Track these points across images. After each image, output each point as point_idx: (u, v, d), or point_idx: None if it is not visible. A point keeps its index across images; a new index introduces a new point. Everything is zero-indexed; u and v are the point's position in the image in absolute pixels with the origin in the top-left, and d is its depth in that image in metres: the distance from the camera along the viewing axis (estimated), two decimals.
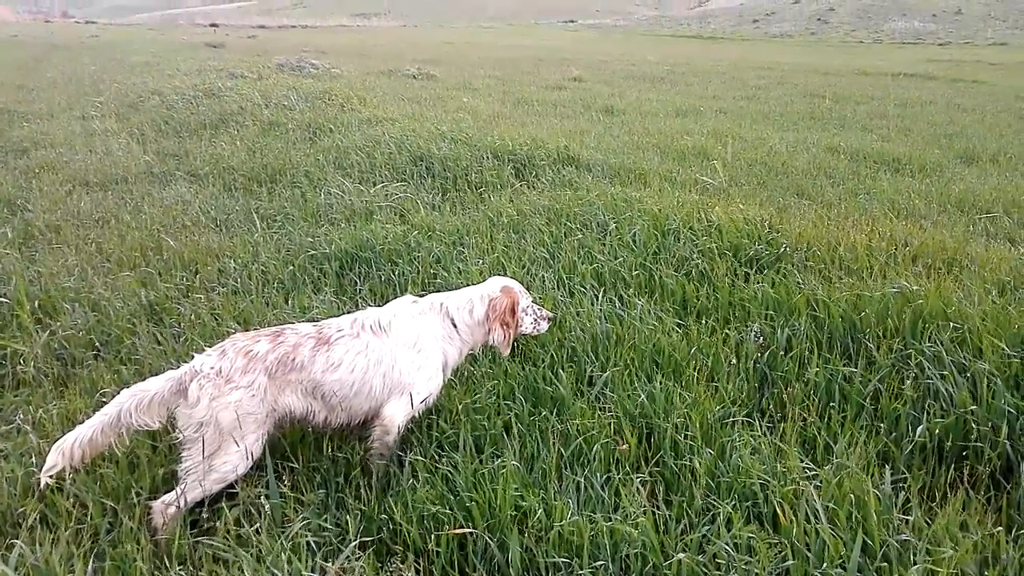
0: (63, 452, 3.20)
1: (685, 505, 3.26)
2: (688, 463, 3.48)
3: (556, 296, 5.25)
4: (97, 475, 3.40)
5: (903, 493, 3.34)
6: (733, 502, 3.24)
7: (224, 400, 3.25)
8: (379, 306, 3.90)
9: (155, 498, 3.27)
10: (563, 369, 4.30)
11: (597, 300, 5.17)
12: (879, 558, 2.92)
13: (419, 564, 3.01)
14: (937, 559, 2.90)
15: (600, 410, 3.94)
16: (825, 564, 2.87)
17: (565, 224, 6.65)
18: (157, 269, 5.91)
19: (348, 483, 3.44)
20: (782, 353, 4.49)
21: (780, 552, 2.98)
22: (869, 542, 2.97)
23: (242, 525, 3.08)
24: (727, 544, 2.97)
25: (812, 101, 18.58)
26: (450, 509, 3.15)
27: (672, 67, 28.80)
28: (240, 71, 18.24)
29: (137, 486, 3.36)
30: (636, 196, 7.36)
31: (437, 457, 3.53)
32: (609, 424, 3.78)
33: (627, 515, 3.12)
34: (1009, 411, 3.74)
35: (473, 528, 3.08)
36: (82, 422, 3.31)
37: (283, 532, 3.03)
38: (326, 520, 3.15)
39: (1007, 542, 3.07)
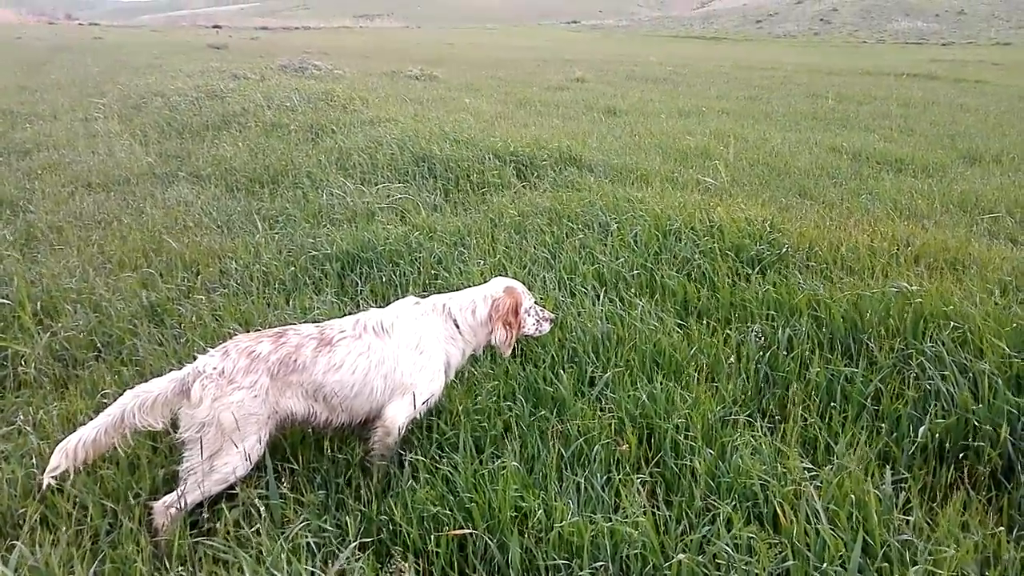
0: (67, 453, 3.20)
1: (685, 505, 3.26)
2: (688, 463, 3.47)
3: (557, 297, 5.24)
4: (97, 476, 3.40)
5: (904, 493, 3.34)
6: (733, 502, 3.23)
7: (227, 401, 3.25)
8: (380, 307, 3.90)
9: (156, 499, 3.27)
10: (564, 369, 4.30)
11: (598, 300, 5.16)
12: (880, 558, 2.92)
13: (419, 565, 3.00)
14: (938, 559, 2.89)
15: (601, 411, 3.94)
16: (826, 564, 2.86)
17: (567, 225, 6.65)
18: (158, 270, 5.92)
19: (348, 484, 3.44)
20: (783, 353, 4.48)
21: (780, 552, 2.98)
22: (870, 542, 2.97)
23: (242, 526, 3.08)
24: (727, 544, 2.97)
25: (815, 101, 18.57)
26: (450, 510, 3.15)
27: (675, 68, 28.79)
28: (243, 72, 18.25)
29: (137, 487, 3.37)
30: (638, 196, 7.35)
31: (437, 458, 3.53)
32: (610, 425, 3.77)
33: (627, 516, 3.12)
34: (1010, 411, 3.72)
35: (473, 529, 3.08)
36: (83, 423, 3.32)
37: (283, 533, 3.03)
38: (326, 521, 3.15)
39: (1008, 542, 3.06)
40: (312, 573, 2.87)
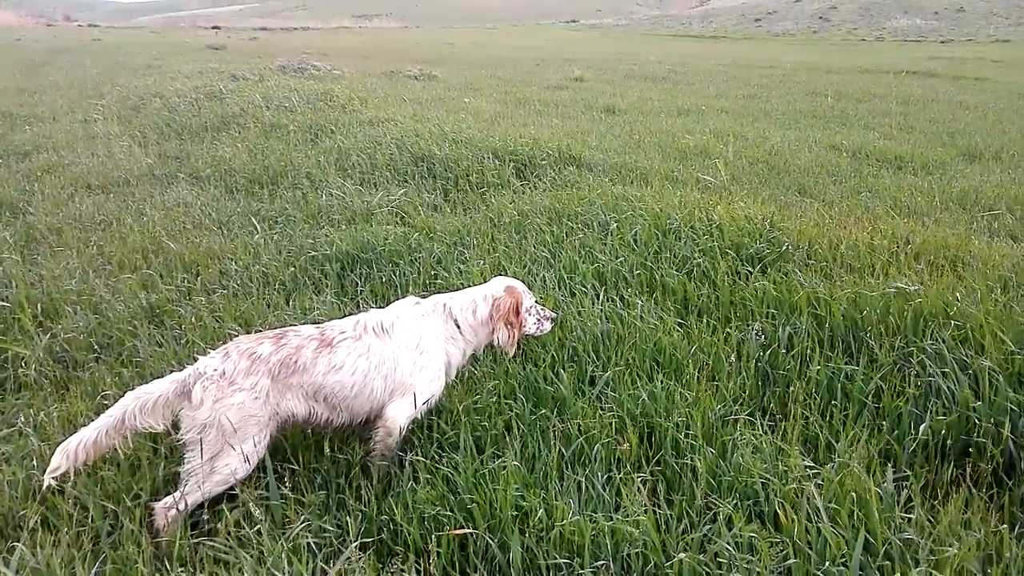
0: (67, 454, 3.20)
1: (686, 504, 3.25)
2: (689, 462, 3.47)
3: (557, 296, 5.24)
4: (98, 477, 3.40)
5: (905, 491, 3.33)
6: (734, 501, 3.23)
7: (227, 402, 3.25)
8: (381, 307, 3.90)
9: (157, 500, 3.27)
10: (564, 369, 4.30)
11: (598, 300, 5.16)
12: (881, 557, 2.91)
13: (420, 565, 3.00)
14: (940, 557, 2.89)
15: (601, 410, 3.93)
16: (827, 563, 2.86)
17: (566, 224, 6.65)
18: (158, 271, 5.91)
19: (349, 484, 3.44)
20: (783, 351, 4.47)
21: (782, 551, 2.97)
22: (871, 540, 2.96)
23: (243, 527, 3.08)
24: (728, 543, 2.97)
25: (814, 99, 18.56)
26: (451, 510, 3.14)
27: (674, 66, 28.79)
28: (242, 73, 18.24)
29: (138, 488, 3.36)
30: (637, 195, 7.35)
31: (438, 458, 3.53)
32: (610, 424, 3.77)
33: (628, 515, 3.11)
34: (1012, 408, 3.72)
35: (474, 528, 3.07)
36: (83, 425, 3.31)
37: (284, 533, 3.03)
38: (327, 521, 3.15)
39: (1010, 540, 3.05)
40: (313, 573, 2.87)
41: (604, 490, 3.33)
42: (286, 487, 3.35)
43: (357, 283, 5.72)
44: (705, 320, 4.94)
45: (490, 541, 3.00)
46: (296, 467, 3.51)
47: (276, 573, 2.81)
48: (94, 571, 2.92)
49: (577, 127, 12.99)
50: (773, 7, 79.51)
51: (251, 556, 2.89)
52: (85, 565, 2.93)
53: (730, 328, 4.82)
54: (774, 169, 9.88)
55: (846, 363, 4.33)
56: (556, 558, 2.96)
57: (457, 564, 3.02)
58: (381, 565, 3.00)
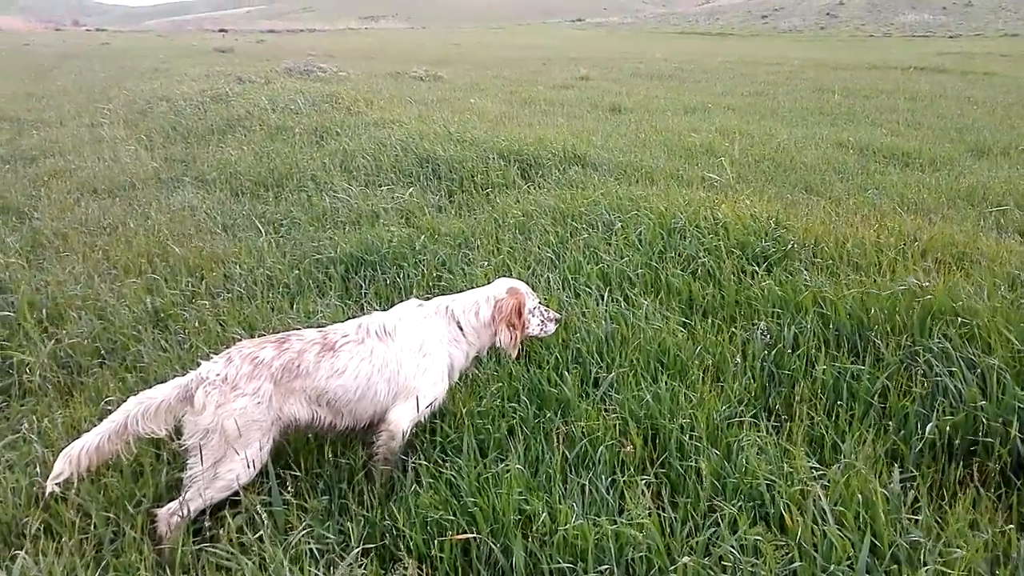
0: (70, 459, 3.20)
1: (691, 507, 3.23)
2: (694, 464, 3.44)
3: (561, 297, 5.22)
4: (101, 484, 3.40)
5: (912, 492, 3.30)
6: (739, 503, 3.20)
7: (230, 407, 3.24)
8: (384, 310, 3.89)
9: (159, 506, 3.27)
10: (568, 371, 4.27)
11: (602, 300, 5.14)
12: (888, 559, 2.89)
13: (422, 570, 2.99)
14: (947, 559, 2.86)
15: (605, 412, 3.91)
16: (833, 566, 2.83)
17: (571, 224, 6.62)
18: (163, 275, 5.92)
19: (351, 489, 3.43)
20: (789, 351, 4.44)
21: (787, 554, 2.95)
22: (877, 543, 2.94)
23: (245, 533, 3.07)
24: (733, 546, 2.94)
25: (821, 96, 18.48)
26: (453, 514, 3.13)
27: (680, 64, 28.70)
28: (248, 76, 18.28)
29: (141, 494, 3.36)
30: (642, 195, 7.32)
31: (441, 462, 3.51)
32: (614, 426, 3.75)
33: (632, 518, 3.09)
34: (1020, 407, 3.67)
35: (477, 533, 3.06)
36: (87, 430, 3.31)
37: (286, 539, 3.02)
38: (329, 527, 3.13)
39: (1018, 540, 3.02)
40: None
41: (608, 493, 3.31)
42: (288, 492, 3.34)
43: (361, 286, 5.71)
44: (710, 320, 4.91)
45: (493, 546, 2.99)
46: (299, 472, 3.50)
47: None
48: None
49: (583, 126, 12.95)
50: (780, 4, 79.23)
51: (252, 562, 2.88)
52: (87, 573, 2.92)
53: (735, 328, 4.79)
54: (780, 167, 9.83)
55: (852, 363, 4.29)
56: (559, 562, 2.94)
57: (460, 569, 3.00)
58: (383, 571, 2.98)
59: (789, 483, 3.27)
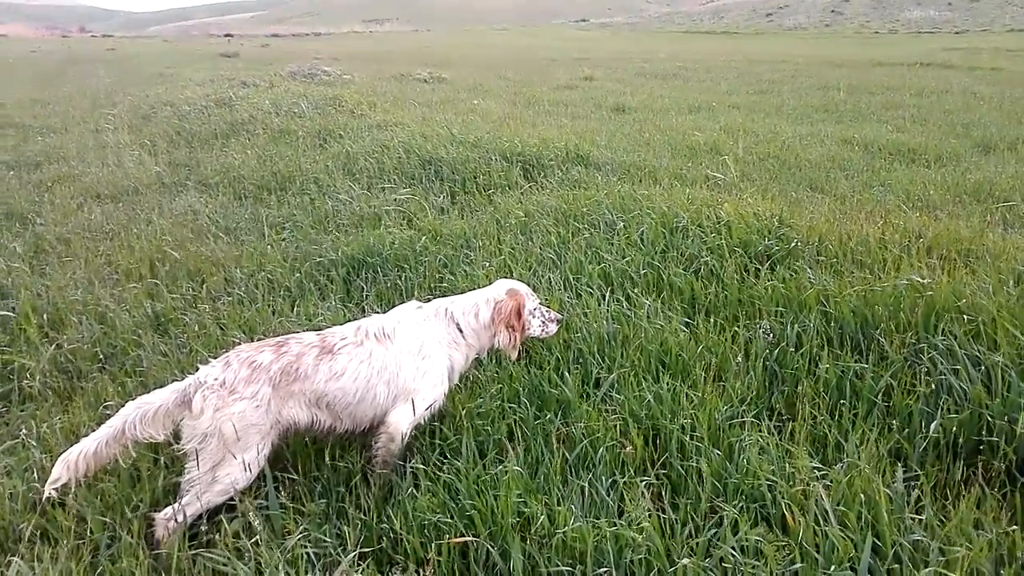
0: (68, 464, 3.19)
1: (691, 508, 3.20)
2: (695, 465, 3.41)
3: (563, 297, 5.19)
4: (98, 489, 3.39)
5: (916, 491, 3.26)
6: (740, 504, 3.17)
7: (228, 411, 3.23)
8: (385, 312, 3.87)
9: (157, 511, 3.25)
10: (569, 371, 4.24)
11: (604, 300, 5.11)
12: (890, 559, 2.85)
13: (419, 573, 2.96)
14: (951, 559, 2.82)
15: (606, 412, 3.88)
16: (834, 567, 2.80)
17: (573, 224, 6.59)
18: (164, 280, 5.91)
19: (349, 492, 3.40)
20: (792, 350, 4.40)
21: (788, 555, 2.91)
22: (880, 543, 2.90)
23: (241, 537, 3.05)
24: (734, 548, 2.91)
25: (826, 93, 18.42)
26: (451, 517, 3.10)
27: (684, 63, 28.67)
28: (252, 80, 18.31)
29: (138, 499, 3.34)
30: (645, 194, 7.28)
31: (439, 464, 3.49)
32: (615, 426, 3.72)
33: (632, 520, 3.06)
34: None
35: (475, 536, 3.03)
36: (85, 435, 3.30)
37: (282, 544, 3.00)
38: (326, 531, 3.11)
39: (1023, 540, 2.98)
40: None
41: (608, 495, 3.28)
42: (285, 496, 3.32)
43: (363, 288, 5.69)
44: (712, 319, 4.87)
45: (490, 549, 2.96)
46: (296, 476, 3.48)
47: None
48: None
49: (586, 126, 12.93)
50: (784, 1, 79.08)
51: (249, 567, 2.86)
52: None
53: (738, 327, 4.75)
54: (785, 165, 9.79)
55: (855, 361, 4.25)
56: (558, 565, 2.91)
57: (458, 572, 2.98)
58: (381, 574, 2.96)
59: (791, 483, 3.24)
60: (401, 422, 3.52)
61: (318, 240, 6.71)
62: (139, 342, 4.86)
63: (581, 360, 4.42)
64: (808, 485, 3.20)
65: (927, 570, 2.75)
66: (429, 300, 3.97)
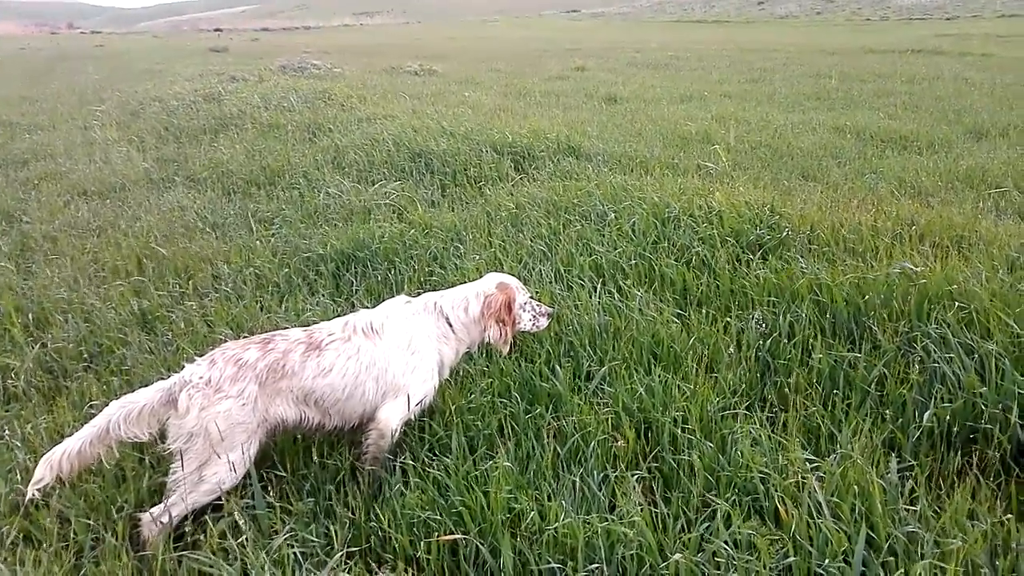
0: (51, 465, 3.14)
1: (683, 502, 3.16)
2: (687, 458, 3.37)
3: (554, 290, 5.14)
4: (82, 490, 3.34)
5: (910, 482, 3.23)
6: (733, 497, 3.14)
7: (214, 410, 3.19)
8: (373, 307, 3.82)
9: (142, 511, 3.21)
10: (560, 364, 4.20)
11: (595, 292, 5.06)
12: (885, 551, 2.81)
13: (408, 572, 2.92)
14: (945, 550, 2.79)
15: (598, 405, 3.84)
16: (828, 560, 2.76)
17: (564, 216, 6.54)
18: (151, 277, 5.85)
19: (338, 490, 3.36)
20: (784, 340, 4.36)
21: (781, 548, 2.88)
22: (874, 535, 2.86)
23: (227, 538, 3.00)
24: (726, 542, 2.87)
25: (818, 81, 18.38)
26: (441, 514, 3.06)
27: (676, 53, 28.59)
28: (241, 74, 18.19)
29: (122, 500, 3.30)
30: (636, 184, 7.24)
31: (428, 460, 3.44)
32: (607, 420, 3.68)
33: (623, 515, 3.02)
34: (1020, 392, 3.59)
35: (465, 533, 2.99)
36: (70, 435, 3.25)
37: (269, 543, 2.95)
38: (313, 530, 3.06)
39: (1018, 530, 2.95)
40: None
41: (600, 490, 3.24)
42: (273, 495, 3.28)
43: (352, 283, 5.64)
44: (704, 310, 4.83)
45: (480, 546, 2.92)
46: (284, 474, 3.43)
47: None
48: None
49: (578, 117, 12.86)
50: None
51: (235, 569, 2.82)
52: None
53: (730, 318, 4.71)
54: (777, 153, 9.75)
55: (848, 350, 4.22)
56: (549, 561, 2.87)
57: (447, 570, 2.94)
58: (369, 574, 2.92)
59: (784, 476, 3.20)
60: (391, 418, 3.48)
61: (307, 235, 6.65)
62: (125, 340, 4.81)
63: (572, 353, 4.38)
64: (801, 477, 3.16)
65: (922, 562, 2.72)
66: (418, 294, 3.92)
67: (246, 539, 2.95)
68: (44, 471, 3.14)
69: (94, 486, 3.35)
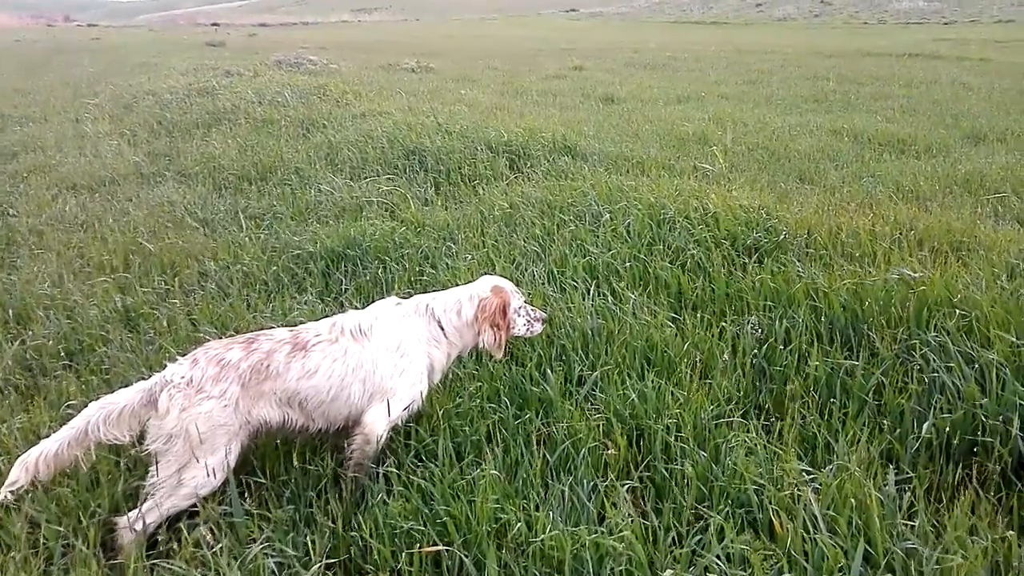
0: (27, 467, 3.06)
1: (675, 514, 3.06)
2: (679, 467, 3.28)
3: (546, 292, 5.05)
4: (54, 494, 3.23)
5: (908, 495, 3.14)
6: (726, 509, 3.05)
7: (195, 411, 3.10)
8: (362, 308, 3.72)
9: (118, 516, 3.11)
10: (551, 369, 4.11)
11: (588, 294, 4.97)
12: (882, 568, 2.72)
13: None
14: (944, 567, 2.70)
15: (589, 411, 3.75)
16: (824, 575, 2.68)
17: (558, 216, 6.45)
18: (137, 273, 5.74)
19: (319, 497, 3.26)
20: (780, 346, 4.27)
21: (776, 563, 2.79)
22: (871, 551, 2.78)
23: (202, 547, 2.90)
24: (719, 556, 2.78)
25: (815, 84, 18.29)
26: (424, 524, 2.96)
27: (674, 53, 28.46)
28: (236, 69, 18.05)
29: (96, 504, 3.19)
30: (632, 185, 7.14)
31: (413, 467, 3.34)
32: (598, 426, 3.59)
33: (613, 527, 2.93)
34: (1021, 403, 3.51)
35: (448, 544, 2.89)
36: (46, 436, 3.16)
37: (243, 555, 2.85)
38: (290, 540, 2.96)
39: (1019, 546, 2.86)
40: None
41: (589, 500, 3.14)
42: (252, 502, 3.17)
43: (342, 281, 5.54)
44: (699, 314, 4.74)
45: (464, 558, 2.82)
46: (263, 480, 3.33)
47: None
48: None
49: (574, 117, 12.78)
50: None
51: None
52: None
53: (725, 322, 4.62)
54: (774, 155, 9.68)
55: (846, 357, 4.13)
56: (535, 574, 2.78)
57: None
58: None
59: (779, 487, 3.11)
60: (377, 423, 3.39)
61: (297, 231, 6.54)
62: (107, 338, 4.70)
63: (564, 357, 4.29)
64: (797, 489, 3.07)
65: None
66: (409, 295, 3.82)
67: (221, 548, 2.85)
68: (19, 473, 3.06)
69: (67, 490, 3.25)
